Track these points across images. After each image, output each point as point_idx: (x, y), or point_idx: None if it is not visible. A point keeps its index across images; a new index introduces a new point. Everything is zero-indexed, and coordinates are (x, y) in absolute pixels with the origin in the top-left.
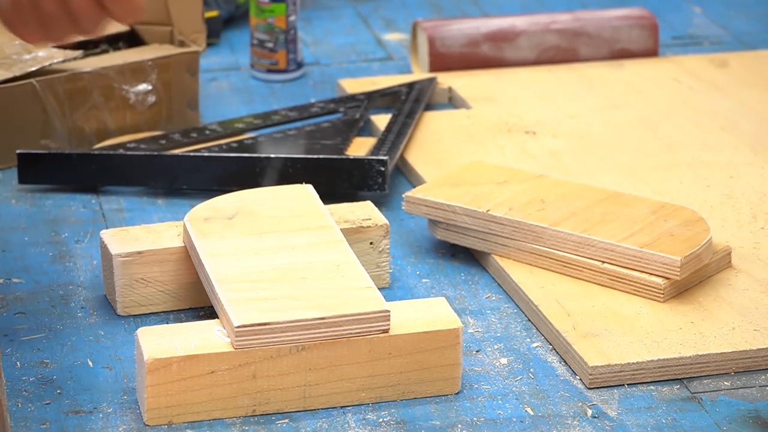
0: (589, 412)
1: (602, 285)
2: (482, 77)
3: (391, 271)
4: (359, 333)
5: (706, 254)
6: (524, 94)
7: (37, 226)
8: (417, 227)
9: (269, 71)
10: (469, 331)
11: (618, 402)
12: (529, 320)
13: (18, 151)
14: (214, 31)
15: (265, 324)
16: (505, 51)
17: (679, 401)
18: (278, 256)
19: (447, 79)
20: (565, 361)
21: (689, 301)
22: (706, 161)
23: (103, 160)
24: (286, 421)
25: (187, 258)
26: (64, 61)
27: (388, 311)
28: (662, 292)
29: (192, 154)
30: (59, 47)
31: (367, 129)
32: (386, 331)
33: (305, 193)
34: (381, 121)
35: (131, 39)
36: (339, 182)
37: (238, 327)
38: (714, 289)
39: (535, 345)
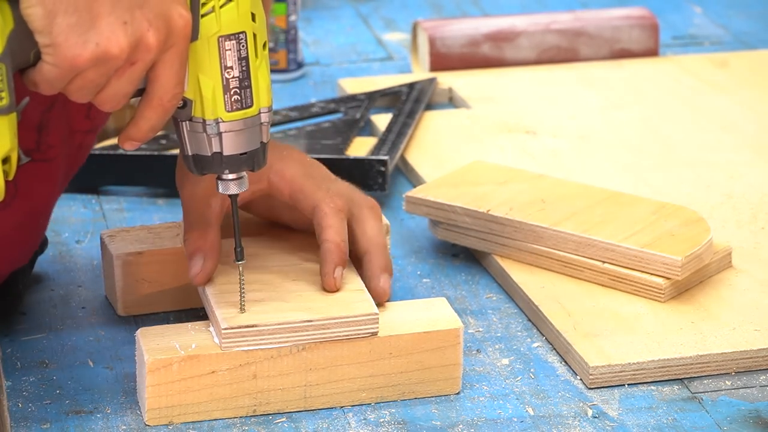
0: (590, 412)
1: (603, 285)
2: (482, 77)
3: None
4: (347, 336)
5: (707, 254)
6: (524, 94)
7: None
8: (417, 227)
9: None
10: (469, 331)
11: (618, 402)
12: (530, 320)
13: None
14: None
15: (252, 326)
16: (506, 51)
17: (680, 401)
18: (271, 259)
19: (447, 79)
20: (565, 361)
21: (690, 301)
22: (706, 161)
23: (104, 160)
24: (287, 421)
25: None
26: None
27: (377, 314)
28: (663, 292)
29: None
30: None
31: (367, 129)
32: (375, 334)
33: None
34: (381, 121)
35: None
36: None
37: (225, 329)
38: (715, 289)
39: (535, 345)
